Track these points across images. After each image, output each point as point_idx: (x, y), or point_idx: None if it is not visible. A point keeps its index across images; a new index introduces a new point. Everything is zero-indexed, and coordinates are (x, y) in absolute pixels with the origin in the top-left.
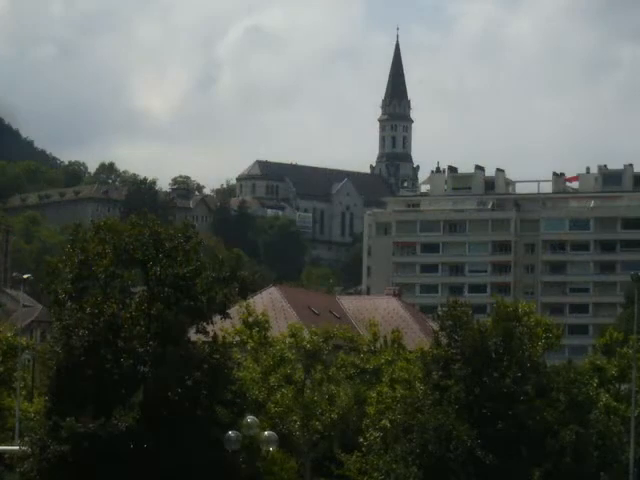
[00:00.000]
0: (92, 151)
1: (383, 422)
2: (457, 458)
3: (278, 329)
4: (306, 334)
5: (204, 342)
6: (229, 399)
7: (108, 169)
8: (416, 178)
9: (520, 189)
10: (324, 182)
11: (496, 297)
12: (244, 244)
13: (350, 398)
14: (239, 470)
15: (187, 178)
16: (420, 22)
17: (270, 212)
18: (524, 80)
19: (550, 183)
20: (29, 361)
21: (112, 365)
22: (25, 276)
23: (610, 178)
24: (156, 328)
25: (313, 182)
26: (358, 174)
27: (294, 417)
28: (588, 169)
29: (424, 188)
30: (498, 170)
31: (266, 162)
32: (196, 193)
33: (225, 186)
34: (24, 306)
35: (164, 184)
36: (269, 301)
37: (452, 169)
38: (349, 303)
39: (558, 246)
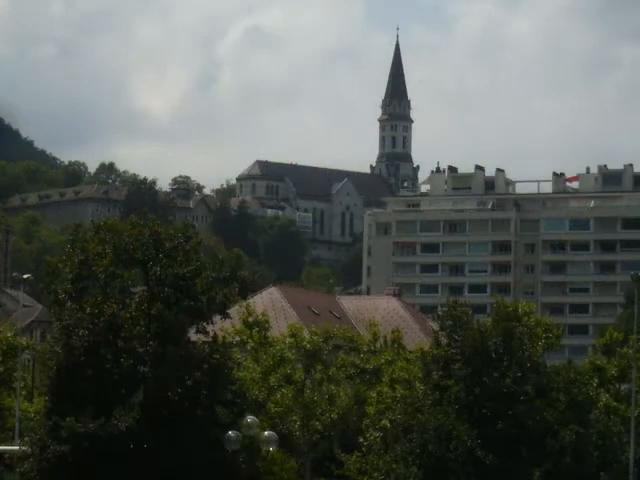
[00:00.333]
0: (92, 151)
1: (383, 422)
2: (457, 458)
3: (278, 329)
4: (306, 334)
5: (204, 342)
6: (229, 399)
7: (108, 169)
8: (416, 178)
9: (520, 189)
10: (324, 182)
11: (496, 297)
12: (244, 244)
13: (350, 398)
14: (239, 470)
15: (187, 178)
16: (420, 22)
17: (270, 212)
18: (524, 80)
19: (550, 183)
20: (29, 361)
21: (112, 365)
22: (25, 276)
23: (610, 178)
24: (156, 328)
25: (313, 182)
26: (358, 174)
27: (294, 417)
28: (588, 169)
29: (424, 188)
30: (498, 170)
31: (266, 162)
32: (196, 193)
33: (225, 186)
34: (24, 306)
35: (164, 184)
36: (269, 301)
37: (452, 169)
38: (349, 303)
39: (558, 246)
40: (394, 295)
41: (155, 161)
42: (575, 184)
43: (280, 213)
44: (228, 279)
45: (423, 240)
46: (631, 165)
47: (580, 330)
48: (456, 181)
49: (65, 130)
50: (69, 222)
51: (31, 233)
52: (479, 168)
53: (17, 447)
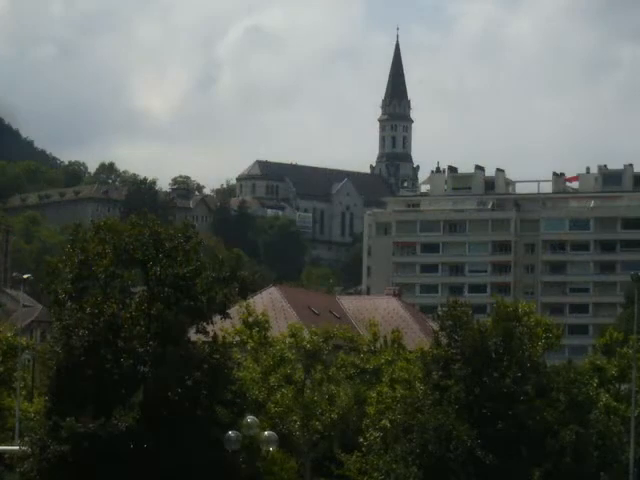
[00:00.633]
0: (92, 151)
1: (383, 422)
2: (457, 458)
3: (278, 329)
4: (306, 334)
5: (204, 342)
6: (229, 399)
7: (108, 169)
8: (416, 178)
9: (520, 189)
10: (324, 182)
11: (496, 297)
12: (244, 244)
13: (350, 398)
14: (239, 470)
15: (187, 178)
16: (420, 22)
17: (270, 212)
18: (524, 80)
19: (550, 183)
20: (29, 361)
21: (112, 365)
22: (25, 276)
23: (610, 178)
24: (156, 328)
25: (313, 182)
26: (358, 174)
27: (294, 417)
28: (588, 169)
29: (424, 188)
30: (498, 170)
31: (266, 162)
32: (196, 193)
33: (225, 186)
34: (24, 306)
35: (164, 184)
36: (269, 301)
37: (452, 169)
38: (349, 303)
39: (558, 246)
40: (394, 295)
41: (155, 161)
42: (575, 184)
43: (280, 213)
44: (228, 279)
45: (423, 240)
46: (631, 165)
47: (580, 330)
48: (456, 181)
49: (65, 130)
50: (69, 222)
51: (31, 233)
52: (479, 168)
53: (17, 447)
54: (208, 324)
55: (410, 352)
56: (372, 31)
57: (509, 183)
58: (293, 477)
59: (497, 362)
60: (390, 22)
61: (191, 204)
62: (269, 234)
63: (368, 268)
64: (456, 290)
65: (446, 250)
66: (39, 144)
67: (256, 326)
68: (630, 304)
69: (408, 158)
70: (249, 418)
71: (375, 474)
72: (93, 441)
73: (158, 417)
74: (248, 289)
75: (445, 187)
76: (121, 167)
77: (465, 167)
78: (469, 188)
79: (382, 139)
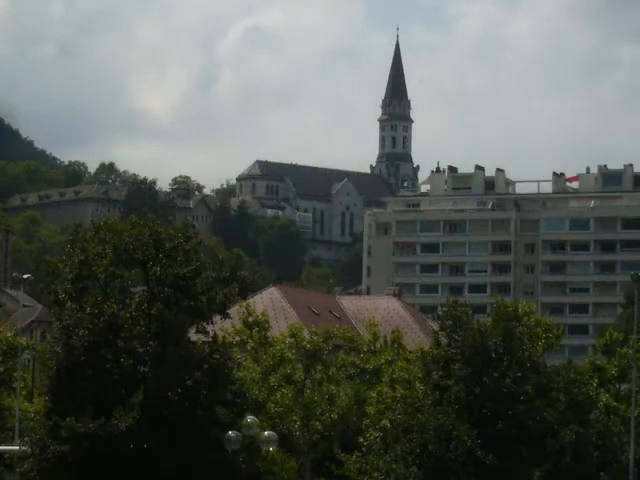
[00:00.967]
0: (92, 151)
1: (383, 422)
2: (457, 458)
3: (278, 329)
4: (306, 334)
5: (204, 342)
6: (229, 399)
7: (108, 169)
8: (416, 178)
9: (520, 189)
10: (324, 182)
11: (496, 297)
12: (244, 244)
13: (350, 398)
14: (239, 470)
15: (187, 178)
16: (420, 22)
17: (270, 212)
18: (524, 80)
19: (550, 183)
20: (29, 361)
21: (112, 365)
22: (25, 276)
23: (610, 178)
24: (156, 328)
25: (313, 182)
26: (358, 174)
27: (294, 417)
28: (588, 169)
29: (424, 188)
30: (498, 170)
31: (266, 162)
32: (196, 193)
33: (225, 186)
34: (24, 306)
35: (164, 184)
36: (269, 301)
37: (452, 169)
38: (349, 303)
39: (558, 246)
40: (394, 295)
41: (155, 161)
42: (575, 184)
43: (280, 213)
44: (228, 279)
45: (423, 240)
46: (631, 165)
47: (580, 330)
48: (456, 181)
49: (65, 130)
50: (69, 222)
51: (31, 233)
52: (479, 168)
53: (17, 447)
54: (208, 324)
55: (410, 352)
56: (372, 31)
57: (509, 183)
58: (293, 477)
59: (497, 362)
60: (390, 22)
61: (191, 204)
62: (269, 234)
63: (368, 268)
64: (456, 290)
65: (446, 250)
66: (39, 144)
67: (256, 326)
68: (630, 304)
69: (408, 158)
70: (249, 418)
71: (375, 474)
72: (93, 441)
73: (158, 417)
74: (248, 289)
75: (445, 187)
76: (121, 167)
77: (465, 167)
78: (469, 188)
79: (382, 139)
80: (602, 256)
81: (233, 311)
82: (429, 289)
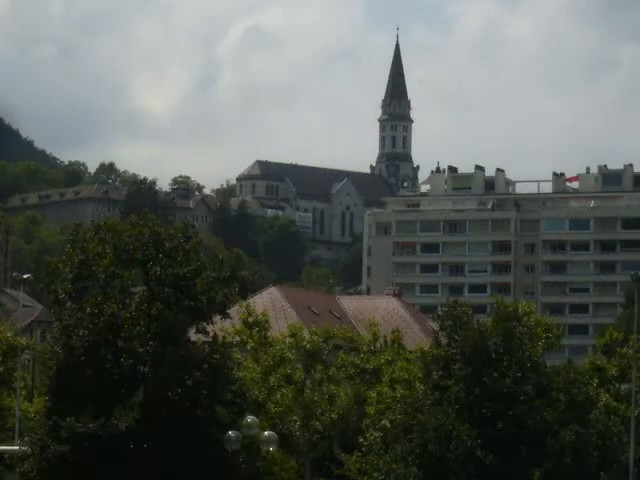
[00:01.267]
0: (92, 151)
1: (383, 422)
2: (457, 458)
3: (278, 329)
4: (306, 334)
5: (204, 342)
6: (229, 399)
7: (108, 169)
8: (416, 178)
9: (520, 189)
10: (324, 182)
11: (496, 297)
12: (244, 244)
13: (350, 398)
14: (239, 470)
15: (187, 178)
16: (420, 22)
17: (270, 212)
18: (524, 80)
19: (550, 183)
20: (29, 361)
21: (112, 365)
22: (25, 276)
23: (610, 178)
24: (156, 328)
25: (313, 182)
26: (358, 174)
27: (294, 417)
28: (588, 169)
29: (424, 188)
30: (498, 170)
31: (266, 162)
32: (196, 193)
33: (225, 186)
34: (24, 306)
35: (164, 184)
36: (269, 301)
37: (452, 169)
38: (349, 303)
39: (558, 246)
40: (394, 295)
41: (155, 161)
42: (575, 184)
43: (280, 213)
44: (228, 279)
45: (423, 240)
46: (631, 165)
47: (580, 330)
48: (456, 181)
49: (65, 130)
50: (69, 222)
51: (31, 233)
52: (479, 168)
53: (17, 447)
54: (208, 324)
55: (410, 352)
56: (372, 31)
57: (509, 183)
58: (293, 477)
59: (497, 362)
60: (390, 22)
61: (191, 204)
62: (269, 234)
63: (368, 268)
64: (456, 290)
65: (446, 250)
66: (39, 144)
67: (256, 326)
68: (630, 304)
69: (408, 158)
70: (249, 418)
71: (375, 474)
72: (93, 441)
73: (158, 417)
74: (248, 289)
75: (445, 187)
76: (121, 167)
77: (465, 167)
78: (469, 188)
79: (382, 139)
80: (602, 256)
81: (233, 311)
82: (429, 289)
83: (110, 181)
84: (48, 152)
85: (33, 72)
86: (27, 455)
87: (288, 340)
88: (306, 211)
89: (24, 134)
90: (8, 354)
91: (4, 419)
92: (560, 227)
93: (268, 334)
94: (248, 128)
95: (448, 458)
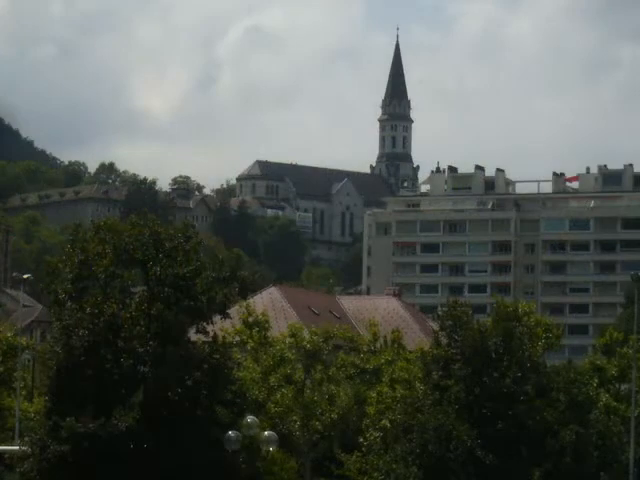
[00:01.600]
0: (92, 151)
1: (383, 422)
2: (457, 458)
3: (278, 329)
4: (306, 334)
5: (204, 342)
6: (229, 399)
7: (108, 169)
8: (416, 178)
9: (520, 189)
10: (324, 182)
11: (496, 297)
12: (244, 244)
13: (350, 398)
14: (239, 470)
15: (187, 178)
16: (420, 22)
17: (270, 212)
18: (524, 80)
19: (550, 183)
20: (29, 361)
21: (112, 365)
22: (25, 276)
23: (610, 178)
24: (156, 328)
25: (313, 182)
26: (358, 174)
27: (294, 417)
28: (588, 169)
29: (424, 188)
30: (498, 170)
31: (266, 162)
32: (196, 193)
33: (225, 186)
34: (24, 306)
35: (164, 184)
36: (269, 301)
37: (452, 169)
38: (349, 303)
39: (558, 246)
40: (394, 295)
41: (155, 161)
42: (575, 184)
43: (280, 213)
44: (228, 279)
45: (423, 240)
46: (631, 165)
47: (580, 330)
48: (456, 181)
49: (65, 130)
50: (69, 222)
51: (31, 233)
52: (479, 168)
53: (17, 447)
54: (208, 324)
55: (410, 352)
56: (372, 31)
57: (509, 183)
58: (293, 477)
59: (497, 362)
60: (390, 22)
61: (191, 204)
62: (269, 234)
63: (368, 268)
64: (456, 290)
65: (446, 250)
66: (39, 144)
67: (256, 326)
68: (630, 304)
69: (408, 158)
70: (249, 418)
71: (375, 474)
72: (93, 441)
73: (158, 417)
74: (248, 289)
75: (445, 187)
76: (121, 167)
77: (465, 167)
78: (469, 188)
79: (382, 139)
80: (602, 256)
81: (233, 311)
82: (429, 289)
83: (110, 181)
84: (48, 152)
85: (33, 72)
86: (27, 455)
87: (288, 340)
88: (306, 211)
89: (24, 134)
90: (8, 354)
91: (4, 419)
92: (560, 227)
93: (268, 334)
94: (248, 128)
95: (448, 458)
